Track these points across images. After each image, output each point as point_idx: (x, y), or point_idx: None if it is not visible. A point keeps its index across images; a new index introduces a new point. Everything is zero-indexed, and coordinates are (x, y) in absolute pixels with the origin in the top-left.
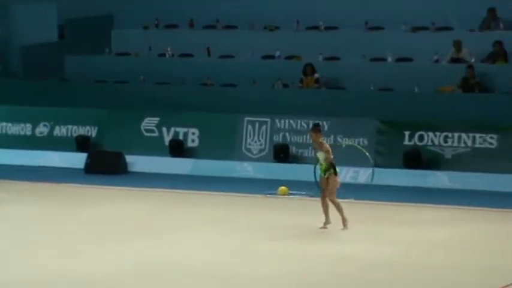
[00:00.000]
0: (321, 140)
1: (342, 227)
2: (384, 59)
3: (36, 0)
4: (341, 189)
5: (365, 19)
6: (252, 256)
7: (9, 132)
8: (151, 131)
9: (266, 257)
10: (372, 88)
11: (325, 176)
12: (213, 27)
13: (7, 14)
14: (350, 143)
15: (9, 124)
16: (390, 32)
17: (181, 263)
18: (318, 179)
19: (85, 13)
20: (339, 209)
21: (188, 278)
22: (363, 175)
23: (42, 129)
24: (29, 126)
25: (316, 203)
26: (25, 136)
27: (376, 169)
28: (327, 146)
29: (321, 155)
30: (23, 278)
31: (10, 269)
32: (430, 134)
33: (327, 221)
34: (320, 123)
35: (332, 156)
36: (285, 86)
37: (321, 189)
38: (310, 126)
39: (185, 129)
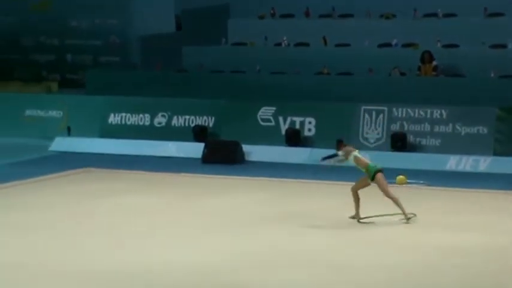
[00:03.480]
0: (345, 149)
1: (405, 219)
2: (504, 46)
3: None
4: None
5: (484, 5)
6: (366, 245)
7: (128, 123)
8: (268, 120)
9: (379, 246)
10: (491, 75)
11: (370, 180)
12: (329, 16)
13: (125, 6)
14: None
15: (128, 114)
16: (510, 18)
17: (296, 252)
18: None
19: (201, 3)
20: (398, 203)
21: (303, 266)
22: (483, 163)
23: (160, 120)
24: (147, 116)
25: (434, 191)
26: (144, 126)
27: (495, 157)
28: (346, 148)
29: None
30: (140, 267)
31: (123, 258)
32: None
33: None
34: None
35: (348, 158)
36: (402, 74)
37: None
38: (428, 114)
39: (302, 119)
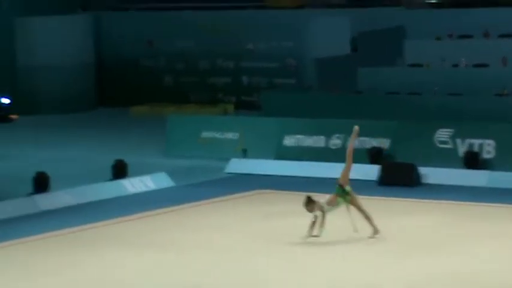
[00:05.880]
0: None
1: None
2: None
3: (329, 13)
4: None
5: None
6: None
7: (303, 145)
8: (445, 142)
9: None
10: None
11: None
12: (509, 36)
13: (301, 28)
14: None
15: (303, 136)
16: None
17: (474, 276)
18: None
19: (377, 25)
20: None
21: None
22: None
23: (335, 142)
24: (322, 138)
25: None
26: (319, 148)
27: None
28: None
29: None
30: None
31: (301, 279)
32: None
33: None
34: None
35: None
36: None
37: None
38: None
39: (480, 141)
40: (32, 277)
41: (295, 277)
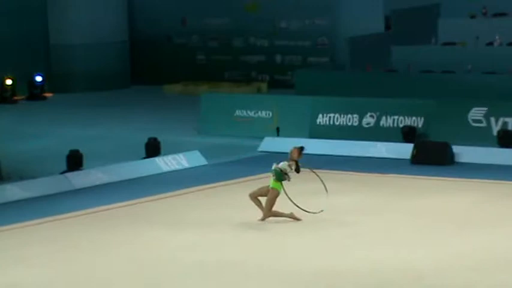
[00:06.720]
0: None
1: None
2: None
3: None
4: None
5: None
6: None
7: (337, 123)
8: (479, 121)
9: None
10: None
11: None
12: None
13: (334, 7)
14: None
15: (337, 115)
16: None
17: (507, 253)
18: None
19: (411, 3)
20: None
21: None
22: None
23: (368, 120)
24: (356, 117)
25: None
26: (352, 127)
27: None
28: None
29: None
30: (347, 267)
31: (329, 259)
32: None
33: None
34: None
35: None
36: None
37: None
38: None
39: None
40: (65, 254)
41: (320, 254)
